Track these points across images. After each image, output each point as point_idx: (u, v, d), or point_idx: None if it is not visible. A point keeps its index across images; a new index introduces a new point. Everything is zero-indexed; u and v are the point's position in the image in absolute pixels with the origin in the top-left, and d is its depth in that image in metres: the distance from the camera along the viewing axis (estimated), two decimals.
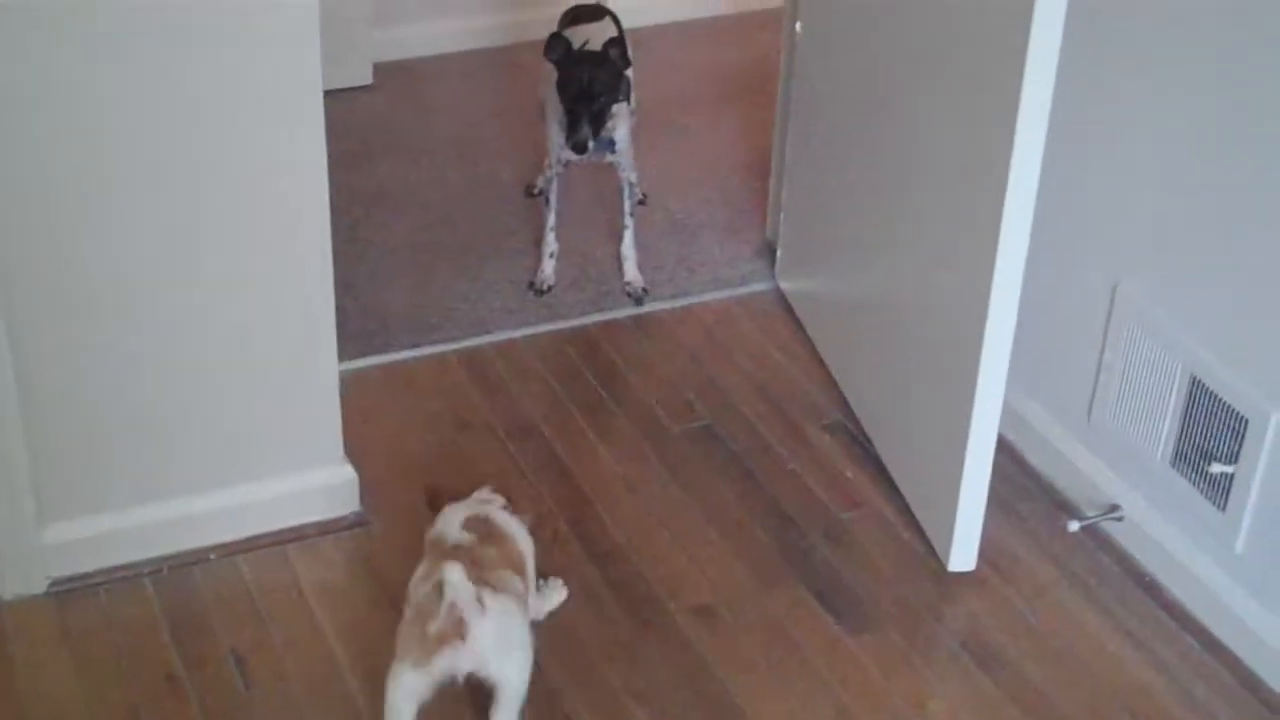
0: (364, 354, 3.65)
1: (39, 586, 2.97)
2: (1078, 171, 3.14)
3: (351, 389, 3.36)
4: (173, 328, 2.91)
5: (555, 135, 3.83)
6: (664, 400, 3.58)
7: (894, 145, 3.25)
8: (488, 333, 3.77)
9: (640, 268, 3.94)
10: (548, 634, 2.92)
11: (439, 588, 2.49)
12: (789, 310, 3.89)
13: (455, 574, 2.46)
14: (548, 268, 3.92)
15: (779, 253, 3.98)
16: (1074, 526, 3.17)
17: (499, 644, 2.55)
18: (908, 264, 3.24)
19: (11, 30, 2.58)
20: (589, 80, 3.65)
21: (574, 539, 3.16)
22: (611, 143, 3.78)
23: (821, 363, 3.70)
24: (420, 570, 2.69)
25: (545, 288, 3.90)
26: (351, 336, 3.59)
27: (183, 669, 2.84)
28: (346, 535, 3.15)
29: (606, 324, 3.83)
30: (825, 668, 2.90)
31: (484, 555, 2.66)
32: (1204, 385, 2.94)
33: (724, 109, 4.86)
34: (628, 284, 3.91)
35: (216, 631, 2.92)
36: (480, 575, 2.56)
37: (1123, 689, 2.89)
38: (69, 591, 2.98)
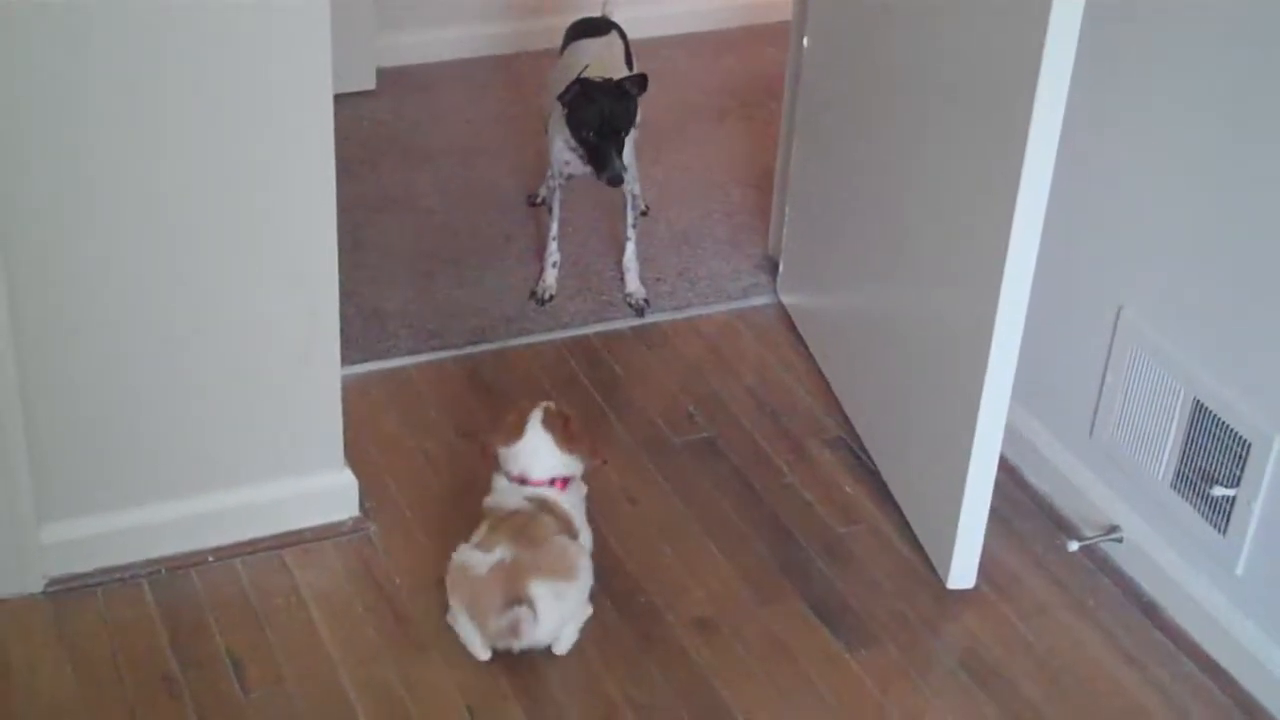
0: (364, 360, 3.64)
1: (36, 586, 2.96)
2: (1083, 194, 3.14)
3: (352, 394, 3.36)
4: (175, 329, 2.91)
5: (559, 148, 3.82)
6: (664, 412, 3.58)
7: (900, 162, 3.25)
8: (488, 340, 3.77)
9: (642, 279, 3.93)
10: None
11: (499, 574, 2.74)
12: (790, 325, 3.89)
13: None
14: (549, 277, 3.91)
15: (781, 267, 3.98)
16: (1073, 546, 3.17)
17: (553, 632, 2.83)
18: (912, 281, 3.25)
19: (22, 32, 2.58)
20: (610, 114, 3.63)
21: None
22: (620, 179, 3.74)
23: (822, 377, 3.70)
24: (478, 534, 2.87)
25: (547, 297, 3.89)
26: (352, 342, 3.59)
27: (179, 671, 2.83)
28: (345, 540, 3.14)
29: (607, 334, 3.83)
30: (823, 683, 2.90)
31: (539, 524, 2.84)
32: (1206, 408, 2.94)
33: (729, 122, 4.86)
34: (629, 295, 3.90)
35: (214, 634, 2.91)
36: (534, 554, 2.78)
37: (1120, 710, 2.89)
38: (66, 592, 2.97)
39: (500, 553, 2.77)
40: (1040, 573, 3.18)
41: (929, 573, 3.15)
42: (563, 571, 2.82)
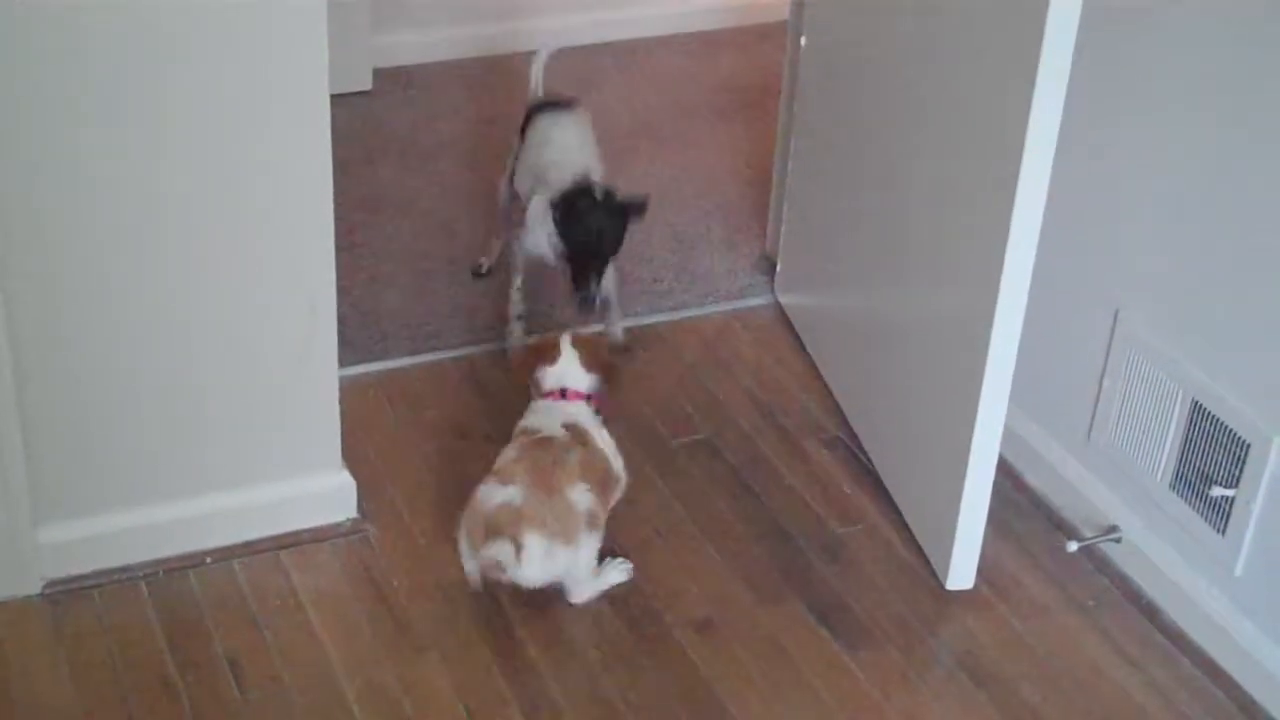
0: (362, 361, 3.64)
1: (33, 588, 2.96)
2: (1081, 197, 3.13)
3: (349, 395, 3.35)
4: (173, 330, 2.90)
5: (535, 241, 3.50)
6: (662, 413, 3.57)
7: (898, 162, 3.24)
8: (486, 341, 3.76)
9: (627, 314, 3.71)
10: (545, 637, 2.92)
11: (503, 512, 2.85)
12: (788, 325, 3.88)
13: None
14: (516, 330, 3.68)
15: (779, 267, 3.98)
16: (1072, 547, 3.17)
17: (537, 579, 2.90)
18: (910, 282, 3.24)
19: (21, 32, 2.57)
20: (599, 234, 3.34)
21: None
22: (605, 301, 3.49)
23: (820, 378, 3.69)
24: (505, 455, 2.98)
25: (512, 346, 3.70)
26: (349, 343, 3.58)
27: (176, 673, 2.82)
28: (343, 542, 3.14)
29: (605, 335, 3.82)
30: (822, 684, 2.89)
31: (564, 468, 2.92)
32: (1205, 409, 2.94)
33: (726, 121, 4.85)
34: (609, 333, 3.71)
35: (211, 636, 2.91)
36: (541, 505, 2.86)
37: (1119, 711, 2.89)
38: (63, 593, 2.97)
39: (512, 492, 2.86)
40: (1039, 574, 3.18)
41: (928, 574, 3.15)
42: (561, 533, 2.87)
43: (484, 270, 3.98)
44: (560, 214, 3.37)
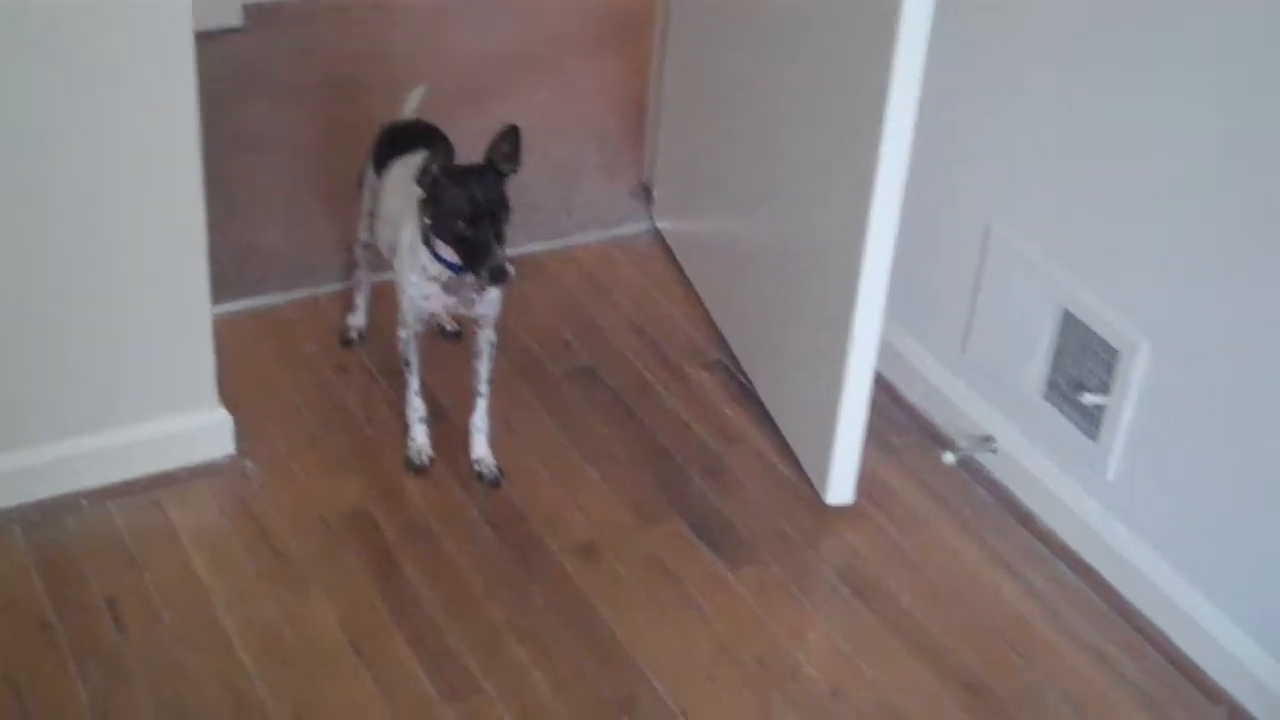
0: (237, 297, 3.60)
1: None
2: (952, 115, 3.15)
3: (226, 332, 3.32)
4: (41, 271, 2.85)
5: (415, 284, 3.00)
6: (543, 341, 3.57)
7: (770, 85, 3.25)
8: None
9: (492, 440, 3.19)
10: (428, 566, 2.92)
11: None
12: (667, 251, 3.89)
13: None
14: (419, 435, 3.20)
15: (656, 194, 3.98)
16: (949, 459, 3.21)
17: None
18: (784, 203, 3.25)
19: None
20: (485, 199, 2.86)
21: (453, 478, 3.15)
22: (505, 273, 2.85)
23: (699, 302, 3.70)
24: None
25: (424, 460, 3.18)
26: (224, 280, 3.52)
27: (54, 616, 2.78)
28: (220, 479, 3.11)
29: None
30: (706, 601, 2.92)
31: None
32: (1075, 318, 2.98)
33: (602, 51, 4.84)
34: (478, 462, 3.17)
35: (89, 578, 2.87)
36: None
37: (998, 617, 2.93)
38: None
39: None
40: (917, 486, 3.22)
41: (808, 490, 3.18)
42: None
43: (351, 336, 3.51)
44: (430, 199, 2.92)
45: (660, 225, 3.95)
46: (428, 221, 2.92)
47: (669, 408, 3.39)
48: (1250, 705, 2.74)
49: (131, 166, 2.84)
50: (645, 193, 4.06)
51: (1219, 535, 2.78)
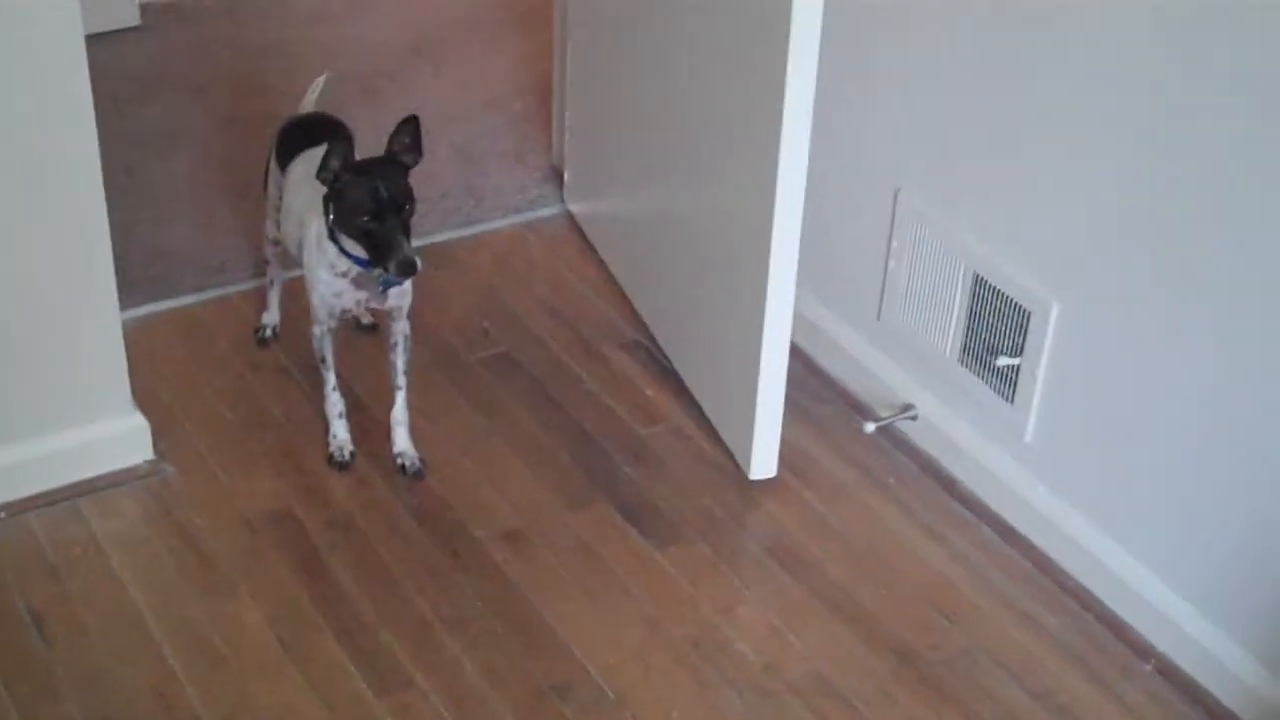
0: (149, 300, 3.55)
1: None
2: (857, 81, 3.17)
3: (138, 336, 3.29)
4: None
5: (325, 281, 2.97)
6: (459, 330, 3.55)
7: (672, 61, 3.24)
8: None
9: (412, 432, 3.17)
10: (354, 562, 2.91)
11: None
12: (580, 233, 3.88)
13: None
14: (340, 430, 3.18)
15: (566, 176, 3.97)
16: (870, 428, 3.23)
17: None
18: (693, 179, 3.25)
19: None
20: (389, 192, 2.81)
21: (375, 472, 3.13)
22: (413, 265, 2.82)
23: (615, 284, 3.70)
24: None
25: (346, 456, 3.16)
26: (135, 283, 3.50)
27: None
28: (140, 484, 3.08)
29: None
30: (635, 583, 2.92)
31: None
32: (986, 282, 3.01)
33: (505, 35, 4.81)
34: (400, 455, 3.16)
35: (10, 591, 2.83)
36: None
37: (925, 583, 2.96)
38: None
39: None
40: (839, 456, 3.24)
41: (731, 466, 3.19)
42: None
43: (267, 334, 3.48)
44: (332, 195, 2.86)
45: (572, 208, 3.95)
46: (331, 218, 2.88)
47: (590, 391, 3.39)
48: (1178, 659, 2.78)
49: (29, 172, 2.80)
50: (556, 176, 4.05)
51: (1137, 491, 2.82)
